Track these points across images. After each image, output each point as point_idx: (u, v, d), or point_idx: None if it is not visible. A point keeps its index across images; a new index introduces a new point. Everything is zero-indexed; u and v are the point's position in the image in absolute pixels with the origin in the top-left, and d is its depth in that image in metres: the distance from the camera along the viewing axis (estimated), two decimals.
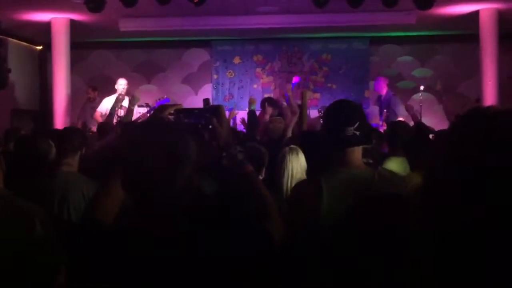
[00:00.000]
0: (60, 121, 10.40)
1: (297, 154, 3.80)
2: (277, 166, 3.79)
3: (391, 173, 2.53)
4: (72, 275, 2.25)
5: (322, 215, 2.20)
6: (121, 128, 5.75)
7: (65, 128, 5.39)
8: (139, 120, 6.81)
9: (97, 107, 9.46)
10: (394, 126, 4.86)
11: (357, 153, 2.41)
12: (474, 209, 0.78)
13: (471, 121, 0.90)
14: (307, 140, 4.05)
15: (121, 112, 8.87)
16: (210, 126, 1.95)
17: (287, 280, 2.27)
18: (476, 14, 9.93)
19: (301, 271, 2.21)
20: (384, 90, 9.84)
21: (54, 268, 2.28)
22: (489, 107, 0.92)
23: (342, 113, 2.41)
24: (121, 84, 9.07)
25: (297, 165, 3.75)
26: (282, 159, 3.78)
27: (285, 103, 7.70)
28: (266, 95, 12.31)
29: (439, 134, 4.19)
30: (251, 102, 7.35)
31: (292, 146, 3.89)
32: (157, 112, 1.99)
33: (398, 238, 1.70)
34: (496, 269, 0.78)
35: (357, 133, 2.35)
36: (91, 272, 1.65)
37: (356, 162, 2.40)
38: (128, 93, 9.20)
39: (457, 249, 0.80)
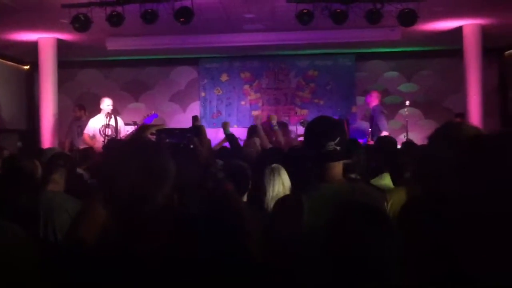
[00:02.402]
0: (47, 140, 10.37)
1: (279, 172, 3.79)
2: (260, 185, 3.79)
3: (372, 188, 2.56)
4: None
5: (303, 230, 2.22)
6: (104, 147, 5.78)
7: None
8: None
9: (84, 126, 9.42)
10: (381, 141, 4.88)
11: (338, 168, 2.42)
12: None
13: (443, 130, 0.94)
14: (290, 156, 4.06)
15: (109, 131, 8.85)
16: (192, 146, 1.98)
17: None
18: (459, 29, 10.06)
19: (284, 285, 2.22)
20: (373, 103, 9.82)
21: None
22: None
23: (323, 128, 2.43)
24: (107, 104, 9.02)
25: (279, 183, 3.75)
26: (264, 178, 3.78)
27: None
28: (253, 112, 12.45)
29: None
30: (225, 126, 7.08)
31: (274, 165, 3.86)
32: (138, 132, 2.02)
33: (378, 251, 1.73)
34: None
35: (338, 148, 2.36)
36: None
37: (337, 177, 2.41)
38: (114, 112, 9.16)
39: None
